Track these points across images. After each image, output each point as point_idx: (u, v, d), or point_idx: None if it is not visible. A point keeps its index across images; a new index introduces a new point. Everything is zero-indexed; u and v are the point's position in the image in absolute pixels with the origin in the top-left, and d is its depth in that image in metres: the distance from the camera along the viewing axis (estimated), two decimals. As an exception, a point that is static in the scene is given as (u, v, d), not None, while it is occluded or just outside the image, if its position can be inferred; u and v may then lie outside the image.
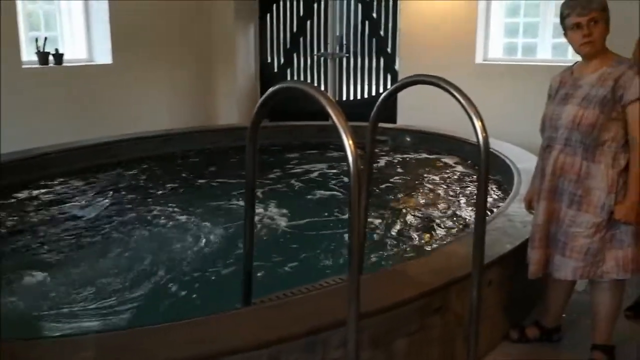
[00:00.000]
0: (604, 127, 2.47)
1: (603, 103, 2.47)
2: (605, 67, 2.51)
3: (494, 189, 4.37)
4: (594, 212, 2.50)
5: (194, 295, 2.96)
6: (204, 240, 3.64)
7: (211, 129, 6.74)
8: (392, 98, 2.38)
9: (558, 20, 6.87)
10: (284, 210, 4.17)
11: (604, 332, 2.66)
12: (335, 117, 1.71)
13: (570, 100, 2.56)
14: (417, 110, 6.65)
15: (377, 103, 2.42)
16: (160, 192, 4.70)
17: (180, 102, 7.84)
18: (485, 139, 2.12)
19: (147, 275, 3.21)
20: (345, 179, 4.94)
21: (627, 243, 2.49)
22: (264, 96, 1.94)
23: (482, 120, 2.13)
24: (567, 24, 2.55)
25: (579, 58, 2.67)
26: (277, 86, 1.91)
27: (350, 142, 1.67)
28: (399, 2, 7.39)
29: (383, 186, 4.78)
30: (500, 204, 3.78)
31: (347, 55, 8.06)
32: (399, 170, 5.31)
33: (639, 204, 2.45)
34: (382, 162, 5.48)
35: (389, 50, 7.76)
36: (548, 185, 2.61)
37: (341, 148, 4.95)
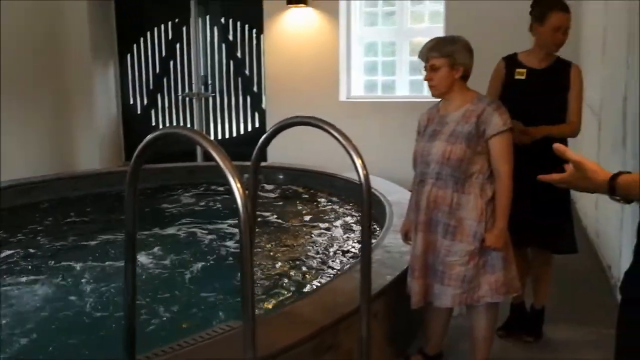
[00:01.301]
0: (471, 161, 2.65)
1: (469, 138, 2.65)
2: (467, 104, 2.71)
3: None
4: (467, 240, 2.66)
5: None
6: (76, 297, 3.38)
7: (72, 176, 6.35)
8: (273, 138, 2.39)
9: (414, 58, 7.29)
10: (166, 257, 4.00)
11: (482, 353, 2.81)
12: (221, 161, 1.67)
13: (439, 136, 2.72)
14: (285, 148, 6.75)
15: (259, 143, 2.41)
16: (20, 249, 4.31)
17: (36, 148, 7.34)
18: (366, 176, 2.19)
19: (9, 339, 2.91)
20: (225, 220, 4.87)
21: (499, 268, 2.66)
22: (144, 142, 1.86)
23: (361, 158, 2.19)
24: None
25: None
26: (158, 132, 1.84)
27: (239, 185, 1.64)
28: (262, 41, 7.52)
29: (262, 225, 4.75)
30: (375, 236, 3.89)
31: (213, 94, 8.02)
32: (275, 208, 5.32)
33: (506, 230, 2.65)
34: (258, 200, 5.47)
35: (255, 89, 7.83)
36: (423, 218, 2.74)
37: (215, 188, 4.88)
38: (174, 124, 8.19)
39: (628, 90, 3.62)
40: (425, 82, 2.78)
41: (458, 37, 2.77)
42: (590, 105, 3.53)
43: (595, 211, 4.74)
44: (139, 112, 8.42)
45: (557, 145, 1.54)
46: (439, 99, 2.83)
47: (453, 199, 2.66)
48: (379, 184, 4.95)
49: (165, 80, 8.24)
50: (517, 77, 3.13)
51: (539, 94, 3.08)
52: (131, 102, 8.41)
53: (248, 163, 2.55)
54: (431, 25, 7.06)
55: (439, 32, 6.66)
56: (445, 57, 2.67)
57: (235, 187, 1.61)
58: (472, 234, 2.64)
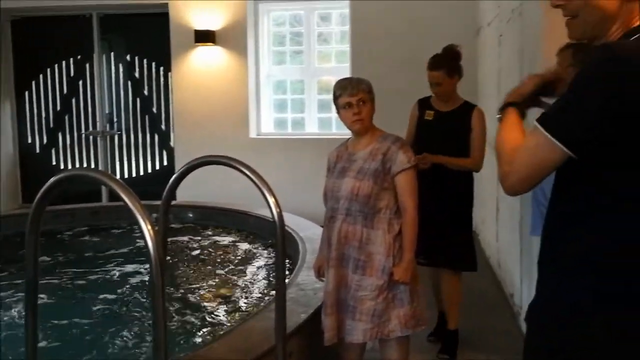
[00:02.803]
0: (378, 197, 2.72)
1: (375, 175, 2.72)
2: (374, 142, 2.79)
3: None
4: (376, 275, 2.70)
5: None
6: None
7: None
8: (184, 178, 2.36)
9: (322, 97, 7.45)
10: (69, 303, 3.78)
11: (396, 386, 2.84)
12: (130, 202, 1.63)
13: (347, 173, 2.78)
14: (195, 185, 6.65)
15: (169, 183, 2.37)
16: None
17: None
18: (280, 214, 2.20)
19: None
20: (134, 262, 4.69)
21: (407, 301, 2.72)
22: (48, 184, 1.78)
23: (274, 196, 2.20)
24: (340, 103, 2.79)
25: (342, 130, 2.93)
26: (64, 174, 1.77)
27: (149, 227, 1.60)
28: (170, 79, 7.44)
29: (173, 265, 4.61)
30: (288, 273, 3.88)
31: (118, 132, 7.82)
32: (186, 248, 5.19)
33: (413, 263, 2.73)
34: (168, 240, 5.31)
35: (163, 126, 7.71)
36: (335, 253, 2.77)
37: (121, 230, 4.66)
38: (76, 163, 7.90)
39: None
40: (334, 119, 2.85)
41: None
42: (489, 141, 3.77)
43: (497, 242, 4.97)
44: (37, 151, 8.06)
45: None
46: (347, 138, 2.91)
47: (363, 234, 2.71)
48: (291, 221, 4.95)
49: (66, 118, 7.96)
50: (426, 117, 3.58)
51: (444, 134, 3.49)
52: (29, 141, 8.04)
53: (157, 202, 2.51)
54: (338, 65, 7.27)
55: (345, 71, 6.87)
56: (370, 92, 2.79)
57: (146, 229, 1.57)
58: (380, 268, 2.69)
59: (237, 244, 5.28)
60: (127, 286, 4.25)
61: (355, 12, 6.77)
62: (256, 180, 2.17)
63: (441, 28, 6.35)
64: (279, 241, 2.22)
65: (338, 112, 2.84)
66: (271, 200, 2.17)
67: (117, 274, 4.55)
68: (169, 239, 5.29)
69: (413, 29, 6.53)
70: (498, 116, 1.57)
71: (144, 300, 3.89)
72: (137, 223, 1.58)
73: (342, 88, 2.77)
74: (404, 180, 2.73)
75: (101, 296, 4.02)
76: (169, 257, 4.65)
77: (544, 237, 1.46)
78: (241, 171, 2.21)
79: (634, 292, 1.28)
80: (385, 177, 2.73)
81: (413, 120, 3.68)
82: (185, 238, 5.47)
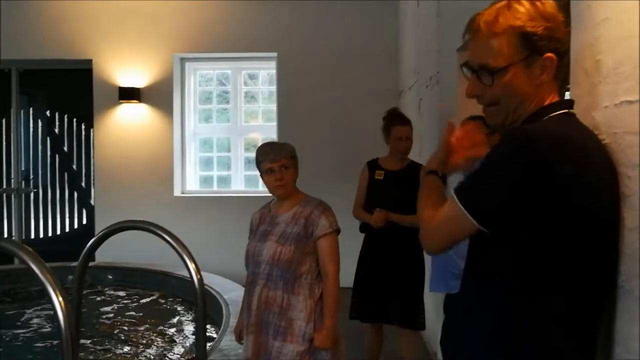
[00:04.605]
0: (300, 262, 2.70)
1: (297, 239, 2.72)
2: (296, 206, 2.80)
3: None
4: (297, 341, 2.67)
5: None
6: None
7: None
8: (101, 244, 2.28)
9: (248, 154, 7.47)
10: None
11: None
12: (41, 274, 1.56)
13: (270, 237, 2.76)
14: (115, 244, 6.42)
15: (85, 249, 2.29)
16: None
17: None
18: (200, 280, 2.15)
19: None
20: (47, 328, 4.43)
21: (328, 366, 2.70)
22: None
23: (195, 263, 2.16)
24: (262, 168, 2.80)
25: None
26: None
27: (60, 299, 1.53)
28: (92, 135, 7.27)
29: (88, 331, 4.39)
30: (211, 337, 3.77)
31: (34, 190, 7.50)
32: (104, 311, 4.96)
33: (334, 329, 2.71)
34: (85, 304, 5.06)
35: (83, 184, 7.48)
36: (254, 319, 2.72)
37: (37, 294, 4.45)
38: (-12, 221, 7.50)
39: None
40: (260, 180, 2.84)
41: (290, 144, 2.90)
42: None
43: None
44: (-54, 209, 7.60)
45: None
46: (272, 198, 2.91)
47: (283, 299, 2.68)
48: (215, 282, 4.87)
49: (-22, 174, 7.58)
50: (376, 177, 3.75)
51: (395, 191, 3.66)
52: (-63, 198, 7.58)
53: (75, 263, 2.40)
54: (265, 123, 7.33)
55: (272, 129, 6.95)
56: (293, 158, 2.81)
57: (57, 301, 1.50)
58: (301, 334, 2.66)
59: (158, 306, 5.11)
60: (39, 354, 4.00)
61: (281, 72, 6.90)
62: (176, 246, 2.12)
63: (366, 89, 6.57)
64: (199, 308, 2.16)
65: (261, 176, 2.85)
66: (192, 266, 2.12)
67: (28, 339, 4.28)
68: (86, 302, 5.06)
69: (339, 89, 6.70)
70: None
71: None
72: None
73: (264, 154, 2.78)
74: (326, 244, 2.74)
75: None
76: (83, 318, 4.44)
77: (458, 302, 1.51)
78: (161, 236, 2.16)
79: None
80: (307, 242, 2.73)
81: (364, 181, 3.80)
82: (103, 300, 5.24)
